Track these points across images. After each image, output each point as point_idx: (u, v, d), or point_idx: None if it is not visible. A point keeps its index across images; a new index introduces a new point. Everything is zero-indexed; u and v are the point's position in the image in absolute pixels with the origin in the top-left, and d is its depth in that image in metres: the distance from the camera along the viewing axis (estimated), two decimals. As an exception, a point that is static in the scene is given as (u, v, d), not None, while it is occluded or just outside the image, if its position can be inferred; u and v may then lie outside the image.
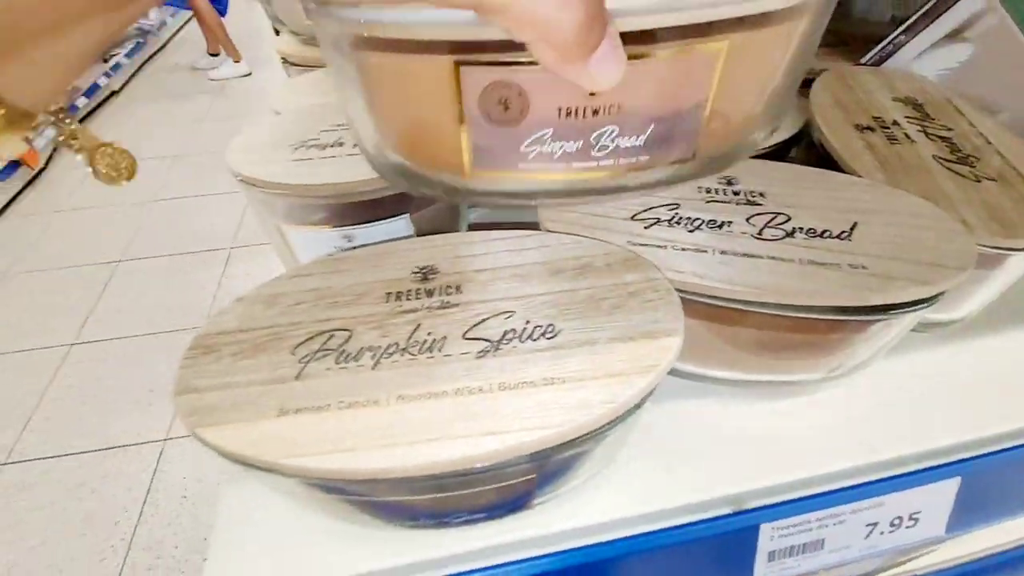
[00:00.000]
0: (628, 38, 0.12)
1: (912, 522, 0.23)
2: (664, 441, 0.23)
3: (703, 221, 0.22)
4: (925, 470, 0.22)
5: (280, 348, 0.19)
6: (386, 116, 0.17)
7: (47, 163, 2.00)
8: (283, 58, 0.43)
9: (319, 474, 0.16)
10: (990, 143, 0.26)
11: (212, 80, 2.54)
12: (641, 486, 0.22)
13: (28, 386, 1.24)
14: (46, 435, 1.14)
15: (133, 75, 2.65)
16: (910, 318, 0.20)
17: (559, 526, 0.21)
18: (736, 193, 0.23)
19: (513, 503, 0.19)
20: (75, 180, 1.94)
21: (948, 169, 0.25)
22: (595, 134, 0.15)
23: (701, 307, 0.20)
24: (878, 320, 0.19)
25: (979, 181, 0.24)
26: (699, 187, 0.23)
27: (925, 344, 0.26)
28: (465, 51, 0.14)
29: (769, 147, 0.28)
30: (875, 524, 0.23)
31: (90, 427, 1.14)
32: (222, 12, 2.45)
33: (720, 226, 0.21)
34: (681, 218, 0.22)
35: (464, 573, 0.20)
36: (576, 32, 0.11)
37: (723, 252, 0.20)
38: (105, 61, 2.46)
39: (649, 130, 0.16)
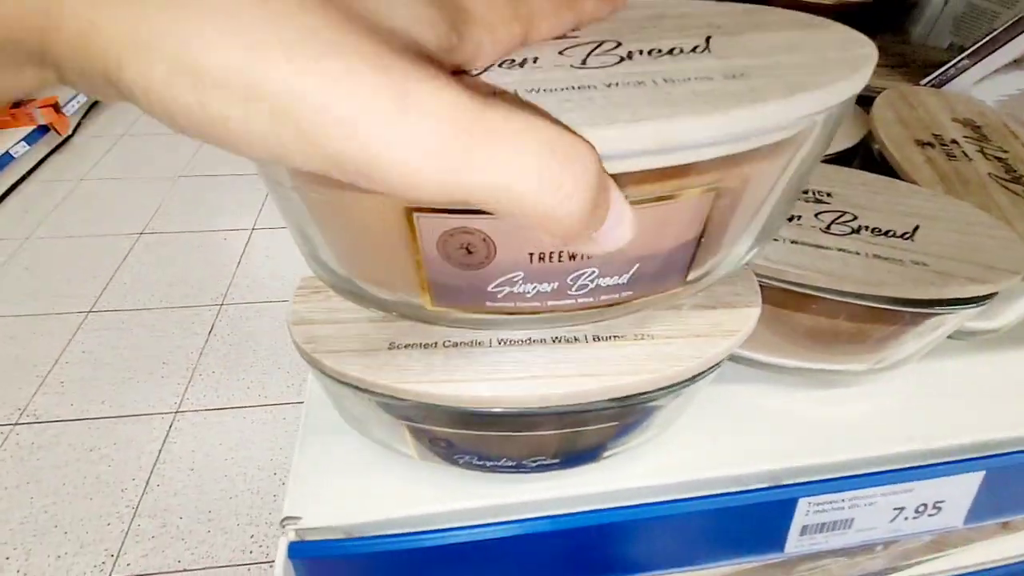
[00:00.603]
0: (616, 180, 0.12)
1: (935, 510, 0.25)
2: (715, 416, 0.26)
3: (773, 214, 0.24)
4: (954, 462, 0.25)
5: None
6: (335, 247, 0.16)
7: (75, 130, 2.06)
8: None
9: (429, 399, 0.18)
10: (1043, 166, 0.28)
11: None
12: (694, 454, 0.24)
13: (44, 349, 1.27)
14: (59, 398, 1.18)
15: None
16: (962, 314, 0.22)
17: (618, 483, 0.23)
18: (804, 192, 0.26)
19: (587, 454, 0.21)
20: (101, 149, 1.99)
21: (1002, 186, 0.27)
22: (572, 276, 0.15)
23: (768, 291, 0.23)
24: (935, 314, 0.22)
25: (1032, 199, 0.26)
26: (769, 184, 0.26)
27: (962, 350, 0.28)
28: None
29: (833, 154, 0.31)
30: (902, 509, 0.25)
31: (103, 394, 1.18)
32: None
33: (790, 219, 0.24)
34: (753, 209, 0.24)
35: (529, 520, 0.23)
36: (580, 220, 0.10)
37: (793, 242, 0.23)
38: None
39: (633, 269, 0.15)
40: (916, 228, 0.23)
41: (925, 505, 0.26)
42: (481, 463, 0.21)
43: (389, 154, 0.09)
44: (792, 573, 0.37)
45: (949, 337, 0.29)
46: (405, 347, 0.19)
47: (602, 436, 0.20)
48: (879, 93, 0.34)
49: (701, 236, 0.15)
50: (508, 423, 0.19)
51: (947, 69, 0.34)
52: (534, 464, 0.21)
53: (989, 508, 0.27)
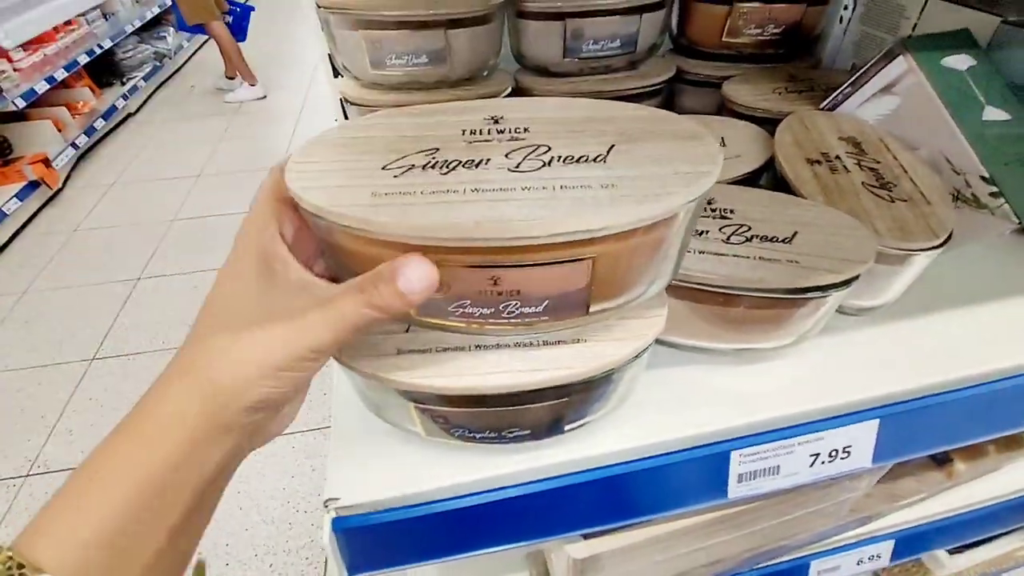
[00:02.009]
0: (519, 251, 0.19)
1: (846, 454, 0.32)
2: (661, 392, 0.32)
3: (687, 230, 0.31)
4: (852, 413, 0.32)
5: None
6: (340, 269, 0.23)
7: (65, 182, 2.12)
8: (344, 98, 0.53)
9: (429, 388, 0.25)
10: (906, 172, 0.36)
11: (227, 103, 2.67)
12: (644, 424, 0.31)
13: (50, 399, 1.31)
14: (69, 447, 1.22)
15: (150, 97, 2.80)
16: (833, 298, 0.30)
17: (583, 452, 0.30)
18: (713, 210, 0.33)
19: (551, 427, 0.28)
20: (93, 199, 2.05)
21: (871, 192, 0.35)
22: (502, 305, 0.22)
23: (687, 291, 0.30)
24: (808, 299, 0.29)
25: (892, 202, 0.34)
26: (685, 206, 0.33)
27: (857, 324, 0.36)
28: (395, 248, 0.20)
29: (741, 175, 0.38)
30: (817, 455, 0.32)
31: None
32: (241, 38, 2.60)
33: (700, 234, 0.31)
34: (671, 228, 0.32)
35: (516, 485, 0.30)
36: (373, 312, 0.20)
37: (701, 252, 0.30)
38: (123, 84, 2.60)
39: (544, 304, 0.22)
40: (795, 233, 0.31)
41: (836, 450, 0.33)
42: (471, 435, 0.28)
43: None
44: (765, 531, 0.43)
45: (845, 313, 0.36)
46: (408, 352, 0.26)
47: (557, 413, 0.27)
48: (785, 118, 0.41)
49: (590, 285, 0.21)
50: (485, 404, 0.26)
51: (837, 95, 0.42)
52: (511, 435, 0.28)
53: (889, 449, 0.34)
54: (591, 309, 0.23)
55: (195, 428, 0.19)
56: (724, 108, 0.49)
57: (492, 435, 0.28)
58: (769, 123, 0.44)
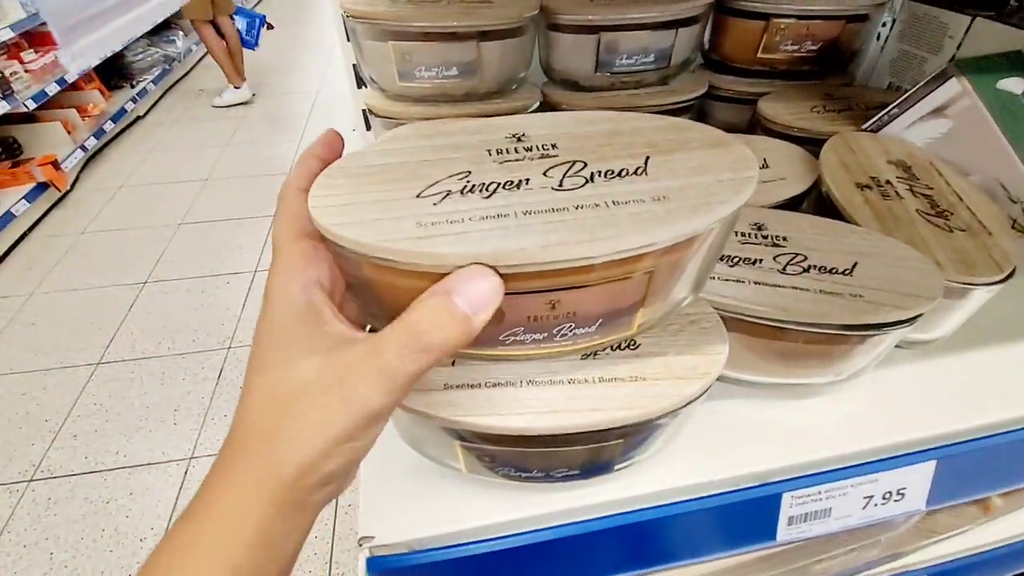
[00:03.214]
0: (581, 271, 0.18)
1: (899, 496, 0.31)
2: (711, 429, 0.31)
3: (740, 258, 0.30)
4: (909, 454, 0.30)
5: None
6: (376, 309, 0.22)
7: (74, 184, 2.11)
8: (368, 109, 0.52)
9: (477, 427, 0.23)
10: (962, 200, 0.35)
11: (215, 107, 2.67)
12: (693, 462, 0.30)
13: (55, 404, 1.30)
14: (73, 452, 1.20)
15: (159, 100, 2.80)
16: (895, 334, 0.28)
17: (631, 491, 0.28)
18: (765, 237, 0.31)
19: (601, 467, 0.27)
20: (101, 202, 2.04)
21: (928, 221, 0.33)
22: (556, 329, 0.21)
23: (740, 323, 0.28)
24: (872, 335, 0.27)
25: (951, 231, 0.32)
26: (736, 231, 0.32)
27: (910, 358, 0.34)
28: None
29: (786, 199, 0.37)
30: (871, 497, 0.30)
31: (116, 444, 1.21)
32: (251, 45, 2.60)
33: (754, 262, 0.30)
34: (724, 255, 0.30)
35: (560, 526, 0.28)
36: (456, 334, 0.17)
37: (756, 283, 0.28)
38: (132, 87, 2.61)
39: (598, 323, 0.21)
40: (855, 265, 0.29)
41: (890, 492, 0.32)
42: (517, 474, 0.27)
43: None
44: (800, 568, 0.42)
45: (897, 347, 0.35)
46: (456, 387, 0.25)
47: (611, 454, 0.26)
48: (828, 138, 0.40)
49: (644, 299, 0.21)
50: (536, 444, 0.24)
51: (882, 116, 0.41)
52: (560, 475, 0.27)
53: (944, 492, 0.32)
54: (637, 323, 0.22)
55: (268, 517, 0.18)
56: (758, 126, 0.48)
57: (539, 474, 0.26)
58: (807, 143, 0.43)
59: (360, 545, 0.26)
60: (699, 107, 0.54)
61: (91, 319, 1.53)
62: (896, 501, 0.32)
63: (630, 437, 0.25)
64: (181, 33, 2.97)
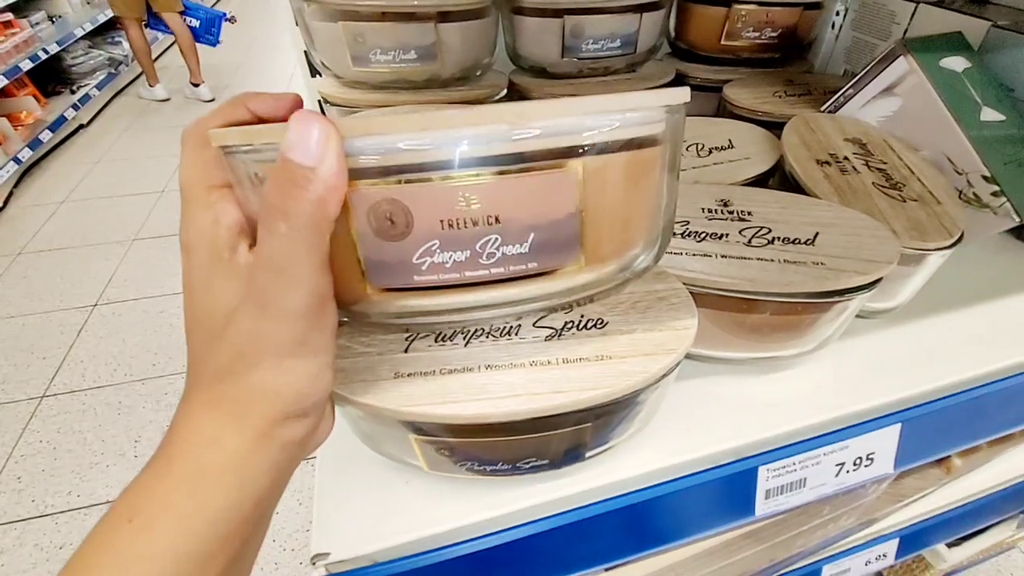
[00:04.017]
0: (496, 159, 0.16)
1: (869, 461, 0.32)
2: (681, 408, 0.31)
3: (707, 234, 0.31)
4: (875, 419, 0.31)
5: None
6: None
7: (7, 201, 1.95)
8: (323, 98, 0.51)
9: (432, 418, 0.22)
10: (913, 173, 0.36)
11: (141, 97, 2.68)
12: (666, 444, 0.30)
13: (-7, 446, 1.19)
14: (18, 495, 1.10)
15: (105, 106, 2.66)
16: (857, 300, 0.29)
17: (604, 479, 0.28)
18: (731, 212, 0.32)
19: (571, 455, 0.26)
20: (40, 219, 1.90)
21: (883, 193, 0.35)
22: (480, 243, 0.18)
23: (709, 298, 0.29)
24: (836, 301, 0.29)
25: (905, 202, 0.34)
26: (703, 208, 0.33)
27: (873, 327, 0.36)
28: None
29: (752, 177, 0.38)
30: (842, 464, 0.32)
31: (68, 484, 1.11)
32: (212, 43, 2.54)
33: (720, 237, 0.30)
34: (691, 232, 0.31)
35: (532, 522, 0.27)
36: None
37: (723, 256, 0.29)
38: (72, 92, 2.48)
39: (531, 238, 0.18)
40: (816, 235, 0.30)
41: (860, 458, 0.33)
42: (482, 467, 0.25)
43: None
44: (782, 542, 0.43)
45: (861, 317, 0.36)
46: (407, 376, 0.23)
47: (578, 439, 0.25)
48: (788, 121, 0.41)
49: (580, 212, 0.19)
50: (497, 433, 0.23)
51: (838, 97, 0.43)
52: (528, 466, 0.26)
53: (910, 453, 0.34)
54: (585, 258, 0.20)
55: (238, 453, 0.18)
56: (724, 111, 0.50)
57: (505, 467, 0.26)
58: (770, 126, 0.45)
59: (314, 564, 0.24)
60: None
61: (32, 348, 1.41)
62: (866, 466, 0.33)
63: (598, 420, 0.25)
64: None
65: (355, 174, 0.17)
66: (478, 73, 0.48)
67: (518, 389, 0.23)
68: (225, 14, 2.58)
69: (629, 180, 0.19)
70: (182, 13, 2.41)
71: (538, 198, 0.18)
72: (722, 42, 0.51)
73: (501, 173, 0.17)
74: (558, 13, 0.45)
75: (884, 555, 0.51)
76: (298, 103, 0.21)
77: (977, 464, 0.51)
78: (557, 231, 0.19)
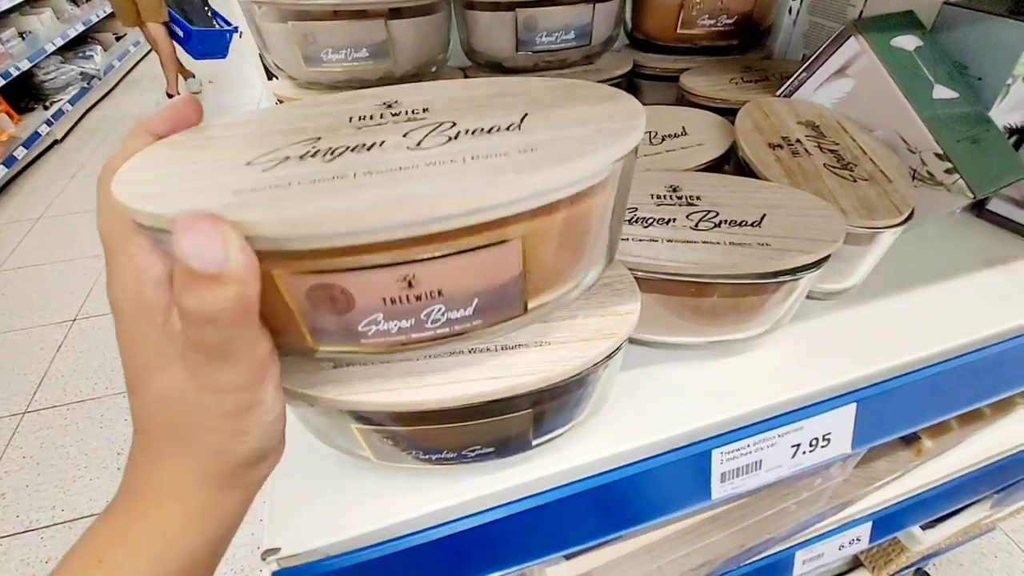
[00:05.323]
0: (433, 238, 0.16)
1: (826, 442, 0.32)
2: (632, 394, 0.31)
3: (654, 219, 0.31)
4: (830, 399, 0.31)
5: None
6: None
7: (-19, 216, 1.96)
8: (279, 100, 0.50)
9: (370, 407, 0.22)
10: (865, 153, 0.36)
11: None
12: (616, 430, 0.30)
13: (-27, 462, 1.19)
14: (2, 512, 1.10)
15: (79, 121, 2.64)
16: (805, 280, 0.29)
17: (552, 467, 0.28)
18: (679, 197, 0.32)
19: (516, 443, 0.26)
20: (17, 235, 1.90)
21: (834, 173, 0.35)
22: (424, 312, 0.18)
23: (657, 283, 0.29)
24: (782, 282, 0.28)
25: (856, 181, 0.34)
26: (651, 194, 0.32)
27: (826, 309, 0.36)
28: (277, 261, 0.16)
29: (705, 163, 0.38)
30: (798, 445, 0.31)
31: (52, 499, 1.12)
32: (220, 55, 2.53)
33: (667, 222, 0.30)
34: (639, 217, 0.31)
35: (484, 511, 0.27)
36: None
37: (669, 241, 0.29)
38: (46, 108, 2.45)
39: (475, 303, 0.18)
40: (763, 217, 0.30)
41: (816, 439, 0.33)
42: (428, 456, 0.25)
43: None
44: (752, 526, 0.43)
45: (814, 298, 0.36)
46: (346, 364, 0.23)
47: (521, 426, 0.25)
48: (743, 106, 0.41)
49: (524, 273, 0.18)
50: (435, 420, 0.23)
51: (792, 81, 0.43)
52: (473, 455, 0.26)
53: (867, 433, 0.34)
54: (529, 305, 0.20)
55: (207, 502, 0.19)
56: (682, 100, 0.50)
57: (451, 455, 0.25)
58: (728, 113, 0.44)
59: (264, 560, 0.24)
60: (627, 86, 0.55)
61: (13, 365, 1.41)
62: (823, 447, 0.33)
63: (538, 407, 0.24)
64: (100, 48, 2.83)
65: (286, 257, 0.16)
66: (433, 69, 0.48)
67: (456, 376, 0.23)
68: (237, 28, 2.56)
69: (575, 230, 0.19)
70: (167, 24, 2.39)
71: (481, 270, 0.18)
72: (678, 31, 0.51)
73: (442, 256, 0.17)
74: (510, 6, 0.45)
75: (858, 539, 0.51)
76: (193, 103, 0.20)
77: (948, 446, 0.52)
78: (501, 293, 0.19)
